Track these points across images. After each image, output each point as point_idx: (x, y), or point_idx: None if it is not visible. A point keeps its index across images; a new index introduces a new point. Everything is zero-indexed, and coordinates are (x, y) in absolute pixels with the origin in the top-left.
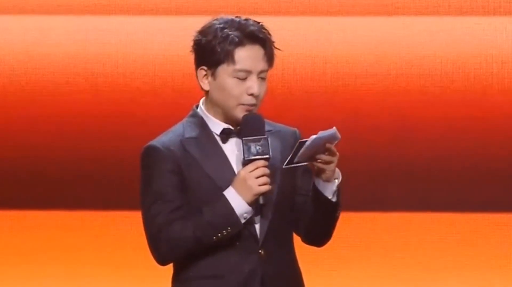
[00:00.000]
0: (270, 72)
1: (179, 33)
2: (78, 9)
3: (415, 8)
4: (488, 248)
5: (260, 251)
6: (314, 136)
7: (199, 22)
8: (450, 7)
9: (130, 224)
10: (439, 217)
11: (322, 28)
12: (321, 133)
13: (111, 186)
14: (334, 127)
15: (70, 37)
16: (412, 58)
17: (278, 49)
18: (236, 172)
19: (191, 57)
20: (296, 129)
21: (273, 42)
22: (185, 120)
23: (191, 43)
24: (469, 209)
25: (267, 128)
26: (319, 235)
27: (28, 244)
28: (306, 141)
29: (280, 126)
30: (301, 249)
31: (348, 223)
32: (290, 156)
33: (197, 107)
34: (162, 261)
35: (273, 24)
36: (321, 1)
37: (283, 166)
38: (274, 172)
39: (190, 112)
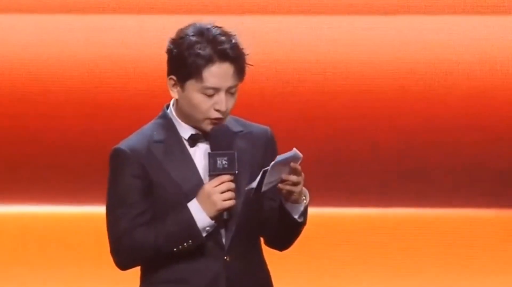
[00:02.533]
0: (266, 72)
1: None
2: (78, 8)
3: (415, 7)
4: (490, 247)
5: (225, 257)
6: (274, 162)
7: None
8: (452, 6)
9: None
10: (439, 216)
11: (319, 28)
12: (281, 157)
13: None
14: (294, 148)
15: (69, 37)
16: (411, 58)
17: (250, 65)
18: (202, 177)
19: None
20: (268, 127)
21: (245, 56)
22: (154, 121)
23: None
24: (469, 207)
25: (238, 128)
26: (281, 243)
27: (29, 243)
28: (268, 168)
29: (252, 125)
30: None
31: (345, 222)
32: (256, 185)
33: (167, 106)
34: (122, 266)
35: (268, 24)
36: (319, 1)
37: (251, 196)
38: (240, 179)
39: (160, 113)
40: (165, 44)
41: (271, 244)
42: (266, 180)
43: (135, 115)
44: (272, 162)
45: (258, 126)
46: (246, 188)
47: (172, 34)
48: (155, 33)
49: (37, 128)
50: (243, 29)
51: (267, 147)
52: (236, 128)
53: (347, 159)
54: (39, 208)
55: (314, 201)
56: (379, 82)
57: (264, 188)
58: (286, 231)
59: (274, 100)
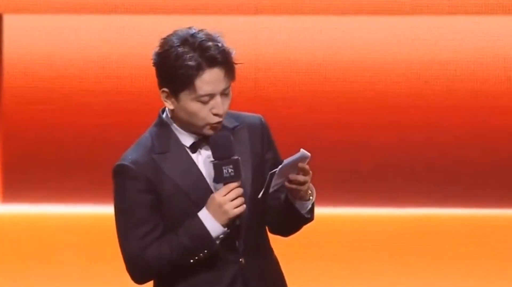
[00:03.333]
0: (265, 73)
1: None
2: (83, 8)
3: (414, 7)
4: (492, 248)
5: (240, 259)
6: (281, 165)
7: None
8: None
9: None
10: (440, 216)
11: (316, 28)
12: (288, 160)
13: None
14: (301, 149)
15: (81, 37)
16: (410, 59)
17: (239, 63)
18: (209, 183)
19: None
20: (260, 115)
21: (233, 56)
22: (152, 130)
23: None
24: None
25: (233, 124)
26: (286, 232)
27: (31, 243)
28: (275, 171)
29: (245, 116)
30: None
31: (345, 222)
32: (264, 188)
33: (163, 111)
34: (139, 282)
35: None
36: (316, 1)
37: (259, 197)
38: (244, 177)
39: (157, 120)
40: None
41: (276, 232)
42: (273, 182)
43: (148, 115)
44: (280, 165)
45: (251, 116)
46: (258, 196)
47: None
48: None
49: (43, 128)
50: (245, 29)
51: (263, 136)
52: (231, 124)
53: (346, 159)
54: (47, 208)
55: (317, 201)
56: (380, 82)
57: (271, 189)
58: (292, 225)
59: (273, 100)
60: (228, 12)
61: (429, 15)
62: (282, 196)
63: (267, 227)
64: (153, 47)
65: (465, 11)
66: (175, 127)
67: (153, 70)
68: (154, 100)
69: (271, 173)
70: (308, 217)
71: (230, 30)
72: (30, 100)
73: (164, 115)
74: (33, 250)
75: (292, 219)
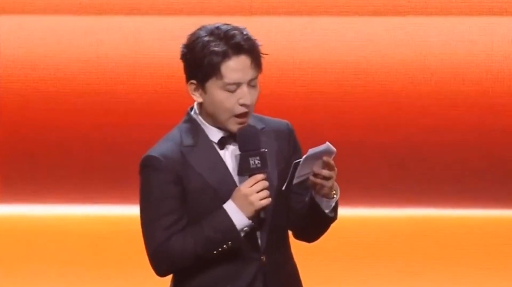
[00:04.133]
0: (262, 74)
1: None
2: (91, 9)
3: (411, 7)
4: (493, 248)
5: (262, 257)
6: (306, 155)
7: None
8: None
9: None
10: (441, 216)
11: (312, 29)
12: (313, 150)
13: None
14: (327, 142)
15: (80, 38)
16: (410, 59)
17: (264, 54)
18: (235, 178)
19: None
20: (287, 121)
21: (259, 47)
22: (181, 125)
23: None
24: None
25: (260, 126)
26: (311, 236)
27: (33, 244)
28: (300, 161)
29: (272, 121)
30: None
31: (349, 222)
32: (288, 178)
33: (191, 109)
34: (161, 275)
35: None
36: (312, 1)
37: (283, 189)
38: (271, 176)
39: (185, 117)
40: (178, 45)
41: (300, 237)
42: (297, 173)
43: (147, 116)
44: (304, 155)
45: (278, 121)
46: (283, 188)
47: (180, 35)
48: (169, 34)
49: (42, 128)
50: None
51: (290, 141)
52: (258, 125)
53: (346, 159)
54: (46, 208)
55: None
56: (380, 82)
57: (295, 181)
58: (316, 226)
59: (271, 100)
60: (223, 13)
61: (428, 15)
62: (307, 199)
63: (292, 233)
64: (152, 47)
65: (465, 11)
66: (203, 123)
67: (152, 71)
68: (154, 100)
69: (295, 163)
70: (332, 216)
71: None
72: (28, 100)
73: (192, 112)
74: (32, 251)
75: (316, 218)
